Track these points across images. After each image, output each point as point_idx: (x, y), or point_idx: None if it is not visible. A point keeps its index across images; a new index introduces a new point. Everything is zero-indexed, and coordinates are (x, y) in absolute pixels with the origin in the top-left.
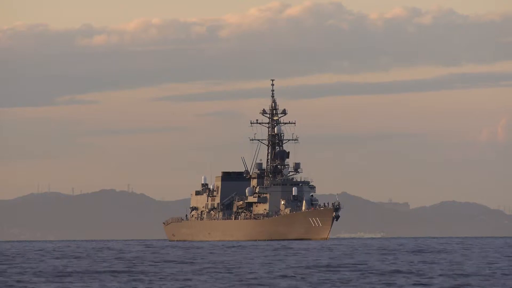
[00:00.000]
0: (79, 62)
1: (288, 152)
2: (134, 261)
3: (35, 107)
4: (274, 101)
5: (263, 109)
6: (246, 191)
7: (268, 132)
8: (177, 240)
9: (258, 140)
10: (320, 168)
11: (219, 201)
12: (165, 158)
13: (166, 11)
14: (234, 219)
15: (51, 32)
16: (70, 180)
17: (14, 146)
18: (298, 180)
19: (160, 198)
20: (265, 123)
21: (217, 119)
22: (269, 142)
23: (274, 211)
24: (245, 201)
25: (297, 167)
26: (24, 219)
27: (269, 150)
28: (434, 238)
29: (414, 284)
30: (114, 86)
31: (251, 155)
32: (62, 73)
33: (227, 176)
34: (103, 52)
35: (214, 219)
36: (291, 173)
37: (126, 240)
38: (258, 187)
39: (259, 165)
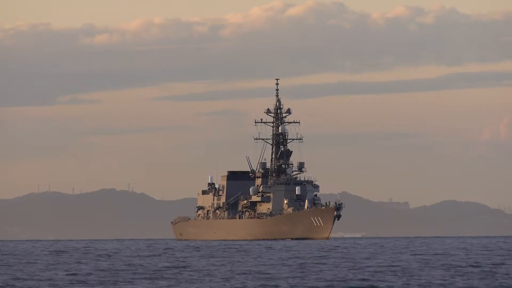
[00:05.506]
0: (80, 61)
1: (292, 151)
2: None
3: (36, 106)
4: (278, 100)
5: (268, 108)
6: (250, 190)
7: (273, 132)
8: (184, 239)
9: (263, 139)
10: (321, 168)
11: (224, 200)
12: (166, 157)
13: (168, 11)
14: (239, 219)
15: (53, 31)
16: (71, 179)
17: (15, 145)
18: (302, 179)
19: (161, 197)
20: (270, 123)
21: (219, 118)
22: (273, 142)
23: (277, 211)
24: (249, 200)
25: (301, 167)
26: (25, 219)
27: (273, 150)
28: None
29: None
30: (116, 85)
31: (256, 155)
32: (63, 72)
33: (232, 176)
34: (104, 52)
35: (220, 219)
36: (295, 173)
37: (131, 239)
38: (261, 186)
39: (263, 165)
